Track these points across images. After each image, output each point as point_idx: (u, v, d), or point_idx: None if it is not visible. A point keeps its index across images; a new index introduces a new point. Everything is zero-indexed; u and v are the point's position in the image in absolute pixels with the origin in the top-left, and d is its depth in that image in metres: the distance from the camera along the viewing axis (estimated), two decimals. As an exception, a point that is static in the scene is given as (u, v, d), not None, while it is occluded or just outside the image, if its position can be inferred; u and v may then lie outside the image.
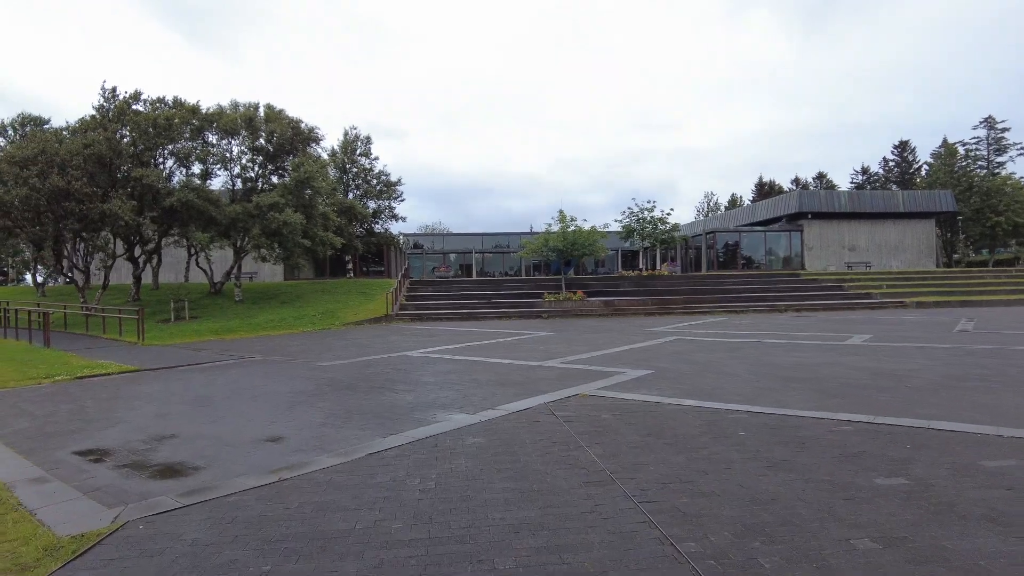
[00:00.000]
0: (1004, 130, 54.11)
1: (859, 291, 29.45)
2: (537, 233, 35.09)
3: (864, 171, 68.89)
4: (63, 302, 26.69)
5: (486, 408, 7.33)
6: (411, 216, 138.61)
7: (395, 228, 44.49)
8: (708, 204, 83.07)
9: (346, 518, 3.95)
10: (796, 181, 71.59)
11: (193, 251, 30.50)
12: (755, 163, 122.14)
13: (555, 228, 30.53)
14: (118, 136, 25.36)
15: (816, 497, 4.08)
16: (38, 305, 22.29)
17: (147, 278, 31.56)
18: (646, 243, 36.98)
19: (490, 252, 47.63)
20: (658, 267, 40.02)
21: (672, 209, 39.74)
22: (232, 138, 27.75)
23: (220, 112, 27.43)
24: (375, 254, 41.79)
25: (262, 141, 27.95)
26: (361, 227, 39.14)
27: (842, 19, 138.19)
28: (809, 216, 38.77)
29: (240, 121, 27.16)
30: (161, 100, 26.94)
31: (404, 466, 5.08)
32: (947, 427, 5.87)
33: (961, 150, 53.24)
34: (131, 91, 26.62)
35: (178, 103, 26.90)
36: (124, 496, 4.52)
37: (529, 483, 4.53)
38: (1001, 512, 3.74)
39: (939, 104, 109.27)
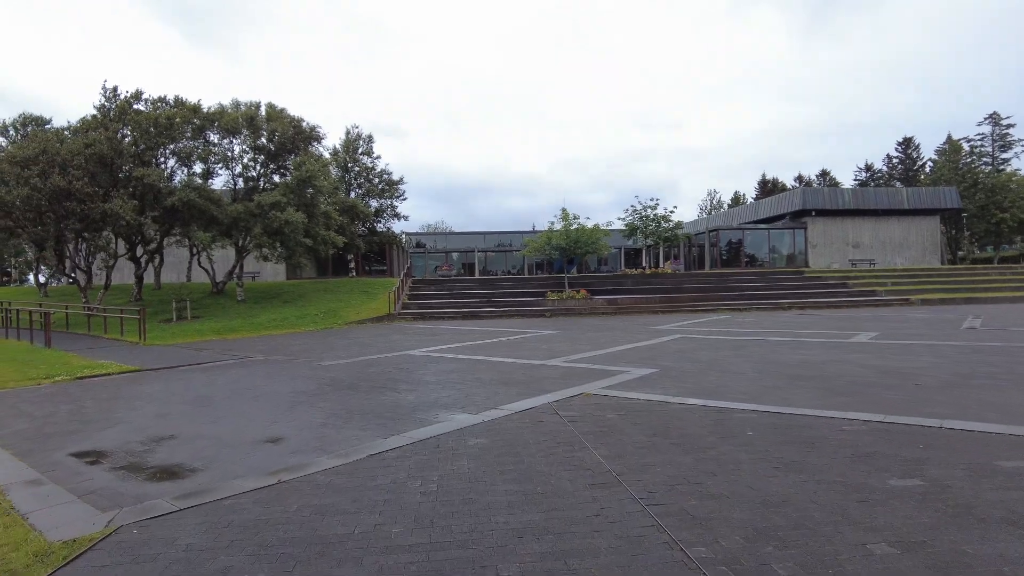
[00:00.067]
0: (1009, 126, 53.86)
1: (864, 289, 29.27)
2: (539, 232, 34.96)
3: (868, 168, 68.55)
4: (65, 302, 26.66)
5: (489, 408, 7.22)
6: (413, 215, 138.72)
7: (397, 227, 44.46)
8: (711, 202, 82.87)
9: (345, 522, 3.84)
10: (799, 179, 71.27)
11: (195, 251, 30.46)
12: (758, 161, 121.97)
13: (558, 226, 30.41)
14: (119, 136, 25.31)
15: (829, 499, 3.96)
16: (40, 305, 22.26)
17: (149, 278, 31.52)
18: (649, 241, 36.84)
19: (492, 251, 47.52)
20: (661, 265, 39.90)
21: (675, 207, 39.79)
22: (233, 137, 27.68)
23: (221, 111, 27.37)
24: (377, 253, 41.71)
25: (263, 140, 27.88)
26: (363, 226, 39.07)
27: (844, 16, 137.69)
28: (813, 213, 38.56)
29: (241, 120, 27.09)
30: (162, 99, 26.89)
31: (405, 468, 4.97)
32: (960, 426, 5.74)
33: (966, 146, 53.00)
34: (132, 91, 26.60)
35: (179, 102, 26.84)
36: (119, 499, 4.42)
37: (533, 485, 4.42)
38: (1022, 515, 3.61)
39: (943, 101, 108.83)
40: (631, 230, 35.82)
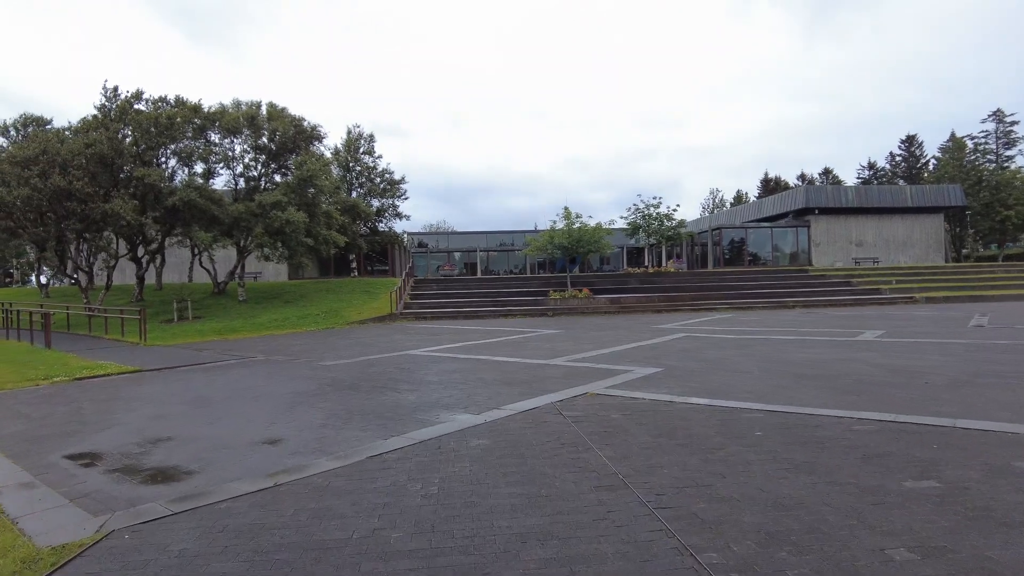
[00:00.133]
0: (1013, 123, 53.46)
1: (868, 287, 29.08)
2: (542, 231, 34.82)
3: (871, 166, 68.24)
4: (66, 303, 26.61)
5: (491, 408, 7.10)
6: (415, 215, 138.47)
7: (399, 227, 44.36)
8: (713, 201, 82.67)
9: (343, 526, 3.73)
10: (802, 177, 71.00)
11: (196, 251, 30.38)
12: (760, 159, 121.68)
13: (560, 225, 30.26)
14: (120, 136, 25.24)
15: (843, 501, 3.84)
16: (41, 306, 22.20)
17: (151, 278, 31.47)
18: (652, 240, 36.68)
19: (495, 250, 47.40)
20: (664, 264, 39.75)
21: (678, 205, 39.55)
22: (234, 137, 27.58)
23: (222, 111, 27.28)
24: (379, 253, 41.61)
25: (264, 140, 27.79)
26: (365, 226, 38.97)
27: (846, 14, 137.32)
28: (816, 212, 38.37)
29: (242, 120, 27.00)
30: (163, 99, 26.80)
31: (405, 469, 4.85)
32: (973, 426, 5.60)
33: (970, 144, 52.71)
34: (133, 90, 26.51)
35: (180, 102, 26.75)
36: (112, 503, 4.31)
37: (537, 488, 4.30)
38: (1044, 518, 3.48)
39: (946, 98, 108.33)
40: (634, 229, 35.66)
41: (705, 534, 3.42)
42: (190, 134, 26.91)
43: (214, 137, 27.77)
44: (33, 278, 45.62)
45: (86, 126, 25.46)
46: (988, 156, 52.54)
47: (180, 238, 29.40)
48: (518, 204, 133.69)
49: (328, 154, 35.16)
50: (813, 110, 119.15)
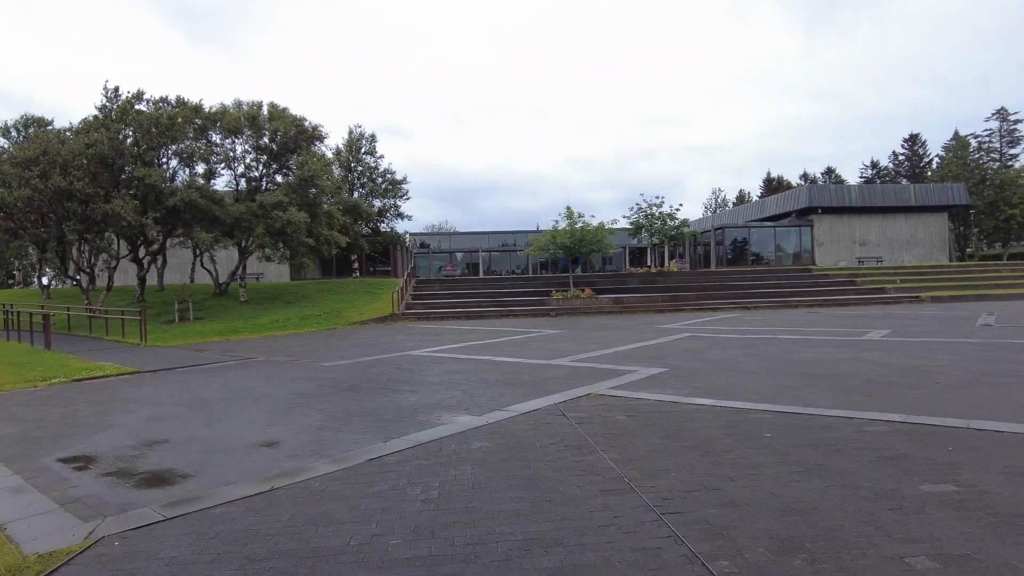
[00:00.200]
0: (1017, 122, 53.16)
1: (872, 286, 28.89)
2: (544, 231, 34.66)
3: (874, 165, 67.96)
4: (67, 304, 26.54)
5: (493, 409, 6.97)
6: (417, 216, 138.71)
7: (401, 227, 44.28)
8: (716, 200, 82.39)
9: (340, 532, 3.60)
10: (805, 176, 70.75)
11: (198, 252, 30.28)
12: (762, 159, 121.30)
13: (562, 225, 30.10)
14: (121, 136, 25.15)
15: (858, 506, 3.70)
16: (42, 307, 22.13)
17: (152, 279, 31.39)
18: (655, 239, 36.49)
19: (497, 250, 47.26)
20: (667, 264, 39.60)
21: (681, 204, 39.31)
22: (235, 137, 27.48)
23: (223, 111, 27.19)
24: (381, 253, 41.52)
25: (266, 140, 27.68)
26: (367, 226, 38.86)
27: (847, 13, 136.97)
28: (819, 211, 38.16)
29: (243, 120, 26.90)
30: (164, 99, 26.71)
31: (405, 473, 4.73)
32: (988, 427, 5.46)
33: (973, 142, 52.37)
34: (134, 91, 26.43)
35: (181, 102, 26.66)
36: (104, 508, 4.19)
37: (540, 492, 4.17)
38: (1069, 524, 3.34)
39: (949, 97, 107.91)
40: (636, 228, 35.46)
41: (716, 541, 3.29)
42: (191, 134, 26.81)
43: (215, 137, 27.68)
44: (35, 279, 45.59)
45: (87, 127, 25.36)
46: (992, 154, 52.20)
47: (181, 239, 29.29)
48: (520, 204, 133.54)
49: (329, 154, 35.07)
50: (814, 109, 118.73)
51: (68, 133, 25.91)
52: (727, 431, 5.63)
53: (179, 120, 25.68)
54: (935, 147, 69.78)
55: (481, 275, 42.18)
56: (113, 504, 4.27)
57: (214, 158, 27.48)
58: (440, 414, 6.85)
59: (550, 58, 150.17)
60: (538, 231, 41.23)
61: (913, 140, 65.10)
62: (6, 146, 28.15)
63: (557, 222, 30.70)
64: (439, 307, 25.60)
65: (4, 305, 25.16)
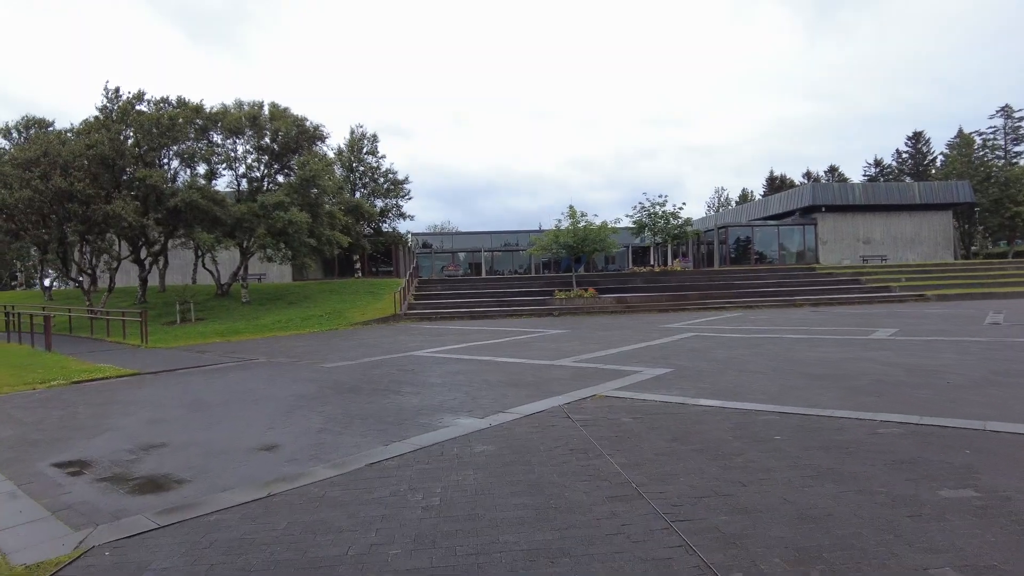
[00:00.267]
0: (1021, 119, 52.81)
1: (877, 285, 28.69)
2: (546, 230, 34.53)
3: (877, 163, 67.66)
4: (69, 306, 26.49)
5: (496, 411, 6.85)
6: (419, 216, 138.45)
7: (403, 227, 44.19)
8: (718, 199, 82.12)
9: (338, 541, 3.48)
10: (808, 175, 70.49)
11: (200, 253, 30.23)
12: (764, 158, 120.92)
13: (565, 224, 29.96)
14: (122, 137, 25.10)
15: (875, 513, 3.56)
16: (43, 309, 22.07)
17: (154, 280, 31.35)
18: (657, 239, 36.33)
19: (499, 250, 47.15)
20: (670, 263, 39.43)
21: (684, 203, 38.80)
22: (237, 137, 27.41)
23: (224, 111, 27.12)
24: (383, 253, 41.43)
25: (267, 140, 27.61)
26: (369, 226, 38.77)
27: (849, 11, 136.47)
28: (823, 209, 37.96)
29: (245, 120, 26.83)
30: (165, 100, 26.65)
31: (406, 478, 4.60)
32: (1005, 428, 5.32)
33: (977, 140, 52.05)
34: (134, 91, 26.37)
35: (182, 103, 26.60)
36: (96, 515, 4.08)
37: (545, 498, 4.04)
38: (1097, 532, 3.20)
39: (953, 95, 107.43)
40: (639, 228, 35.31)
41: (729, 550, 3.16)
42: (192, 135, 26.74)
43: (216, 138, 27.61)
44: (37, 281, 45.62)
45: (88, 127, 25.32)
46: (997, 152, 51.90)
47: (183, 240, 29.26)
48: (520, 204, 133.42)
49: (331, 154, 35.00)
50: (816, 108, 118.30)
51: (69, 134, 25.86)
52: (736, 433, 5.50)
53: (180, 120, 25.62)
54: (939, 145, 69.29)
55: (484, 275, 42.05)
56: (106, 511, 4.15)
57: (215, 158, 27.42)
58: (442, 416, 6.73)
59: (550, 58, 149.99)
60: (540, 231, 41.11)
61: (917, 138, 64.81)
62: (7, 147, 28.15)
63: (560, 221, 30.59)
64: (441, 307, 25.48)
65: (5, 307, 25.12)
